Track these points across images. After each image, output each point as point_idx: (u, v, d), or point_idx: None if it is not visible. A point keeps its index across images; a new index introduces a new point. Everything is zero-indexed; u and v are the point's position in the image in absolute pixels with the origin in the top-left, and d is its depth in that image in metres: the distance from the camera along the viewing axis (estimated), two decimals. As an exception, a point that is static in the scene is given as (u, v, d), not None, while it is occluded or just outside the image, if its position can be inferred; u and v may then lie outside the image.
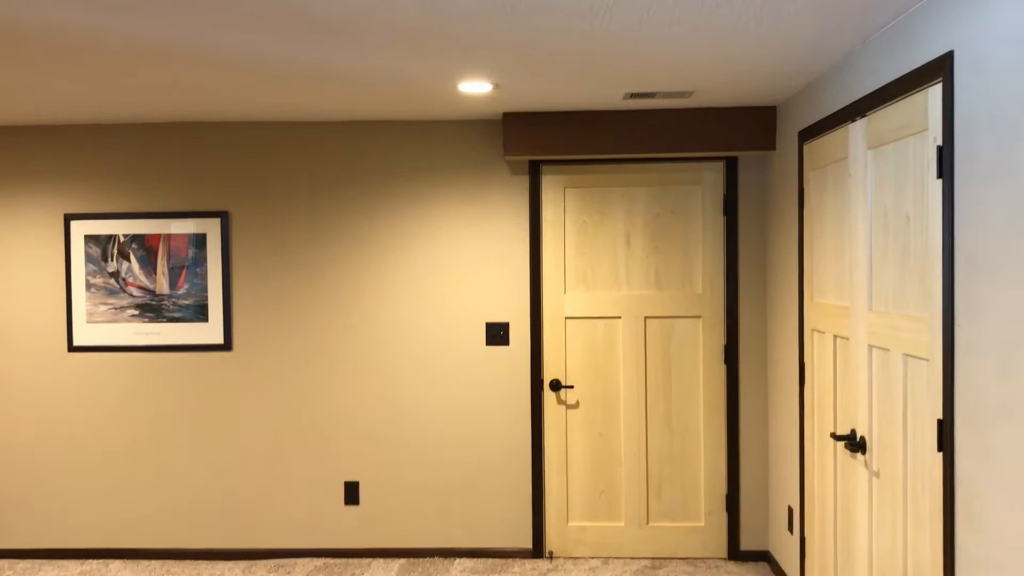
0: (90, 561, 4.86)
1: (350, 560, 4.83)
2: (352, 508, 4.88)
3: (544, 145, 4.58)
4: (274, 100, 4.21)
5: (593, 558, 4.81)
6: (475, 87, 3.91)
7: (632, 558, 4.81)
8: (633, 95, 4.13)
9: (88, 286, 4.87)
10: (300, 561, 4.82)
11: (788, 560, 4.38)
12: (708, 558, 4.80)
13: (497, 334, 4.83)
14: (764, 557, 4.79)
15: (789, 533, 4.34)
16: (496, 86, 3.91)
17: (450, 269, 4.83)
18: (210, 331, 4.87)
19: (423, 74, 3.66)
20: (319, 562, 4.80)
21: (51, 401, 4.89)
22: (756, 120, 4.53)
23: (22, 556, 4.91)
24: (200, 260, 4.85)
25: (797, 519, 4.20)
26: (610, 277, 4.77)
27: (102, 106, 4.33)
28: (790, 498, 4.33)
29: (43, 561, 4.87)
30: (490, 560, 4.81)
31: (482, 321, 4.83)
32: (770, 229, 4.64)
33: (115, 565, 4.80)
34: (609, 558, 4.80)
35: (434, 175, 4.82)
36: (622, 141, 4.55)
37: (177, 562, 4.84)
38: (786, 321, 4.36)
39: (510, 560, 4.81)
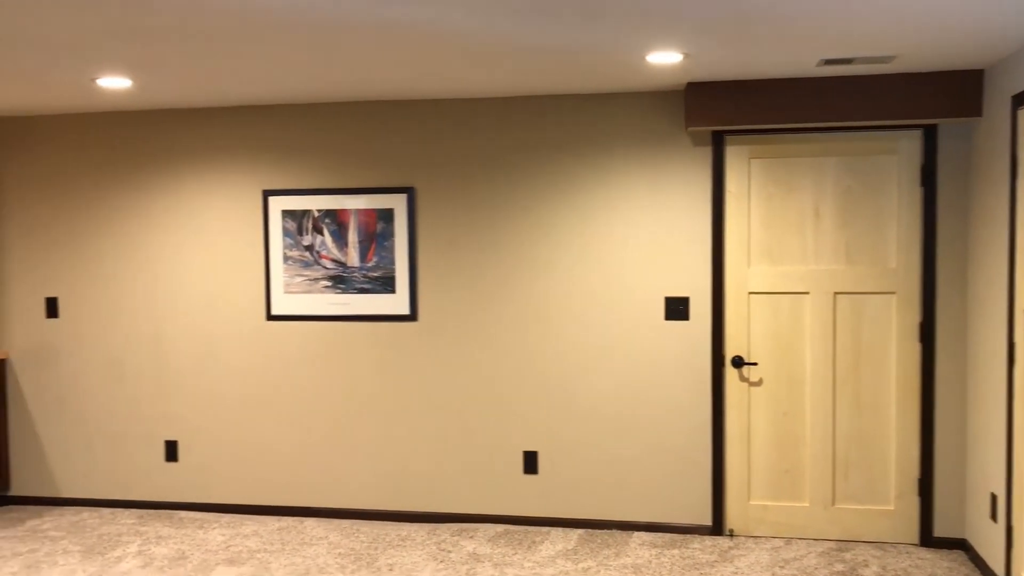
0: (286, 518, 5.17)
1: (529, 528, 4.93)
2: (531, 477, 4.97)
3: (729, 115, 4.48)
4: (460, 76, 4.30)
5: (775, 537, 4.72)
6: (664, 57, 3.87)
7: (816, 539, 4.68)
8: (829, 61, 3.97)
9: (285, 259, 5.14)
10: (481, 526, 4.96)
11: (990, 549, 4.15)
12: (898, 543, 4.62)
13: (677, 309, 4.78)
14: (960, 545, 4.56)
15: (992, 521, 4.11)
16: (686, 55, 3.85)
17: (628, 243, 4.81)
18: (396, 302, 5.05)
19: (614, 46, 3.65)
20: (500, 528, 4.92)
21: (251, 367, 5.21)
22: (960, 84, 4.26)
23: (226, 511, 5.27)
24: (388, 234, 5.04)
25: (1003, 507, 3.97)
26: (797, 251, 4.63)
27: (298, 86, 4.55)
28: (993, 484, 4.09)
29: (245, 516, 5.22)
30: (668, 535, 4.80)
31: (661, 295, 4.79)
32: (974, 201, 4.37)
33: (309, 522, 5.08)
34: (792, 538, 4.70)
35: (611, 148, 4.80)
36: (812, 109, 4.39)
37: (365, 522, 5.08)
38: (991, 299, 4.11)
39: (689, 536, 4.79)
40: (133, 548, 4.68)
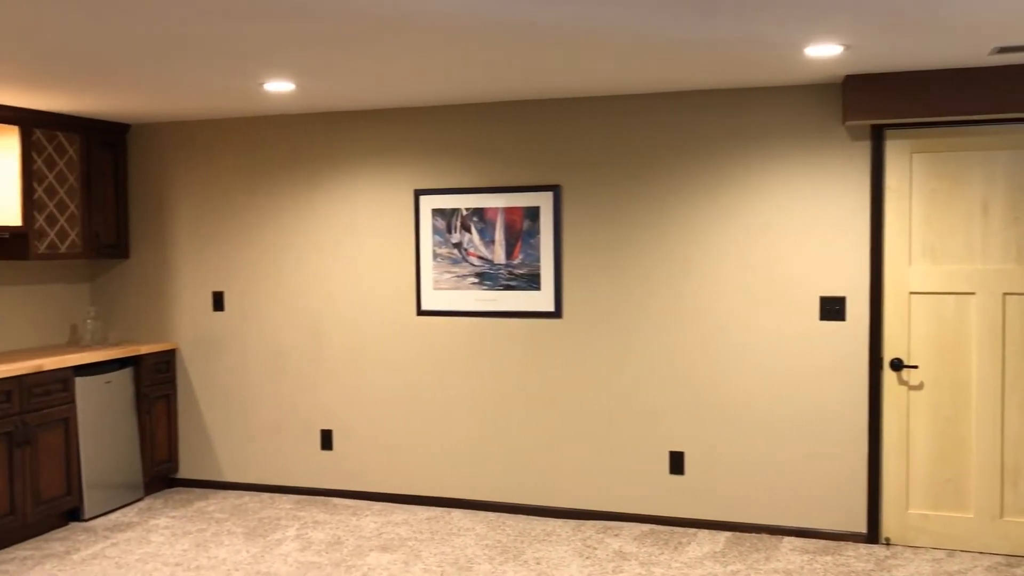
0: (434, 508, 5.30)
1: (675, 528, 4.88)
2: (677, 478, 4.92)
3: (890, 108, 4.31)
4: (609, 73, 4.30)
5: (936, 549, 4.51)
6: (824, 50, 3.76)
7: (982, 553, 4.45)
8: (1003, 49, 3.76)
9: (434, 256, 5.27)
10: (626, 525, 4.95)
11: None
12: (1074, 561, 4.34)
13: (832, 309, 4.63)
14: None
15: None
16: (847, 47, 3.73)
17: (780, 241, 4.70)
18: (541, 299, 5.10)
19: (772, 39, 3.57)
20: (645, 527, 4.90)
21: (402, 361, 5.37)
22: None
23: (377, 499, 5.45)
24: (533, 231, 5.09)
25: None
26: (962, 250, 4.41)
27: (448, 88, 4.65)
28: None
29: (394, 505, 5.38)
30: (820, 541, 4.66)
31: (816, 295, 4.66)
32: None
33: (456, 513, 5.19)
34: (955, 551, 4.48)
35: (762, 144, 4.70)
36: (983, 100, 4.17)
37: (509, 515, 5.15)
38: None
39: (842, 543, 4.63)
40: (292, 532, 4.90)
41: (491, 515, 5.17)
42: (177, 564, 4.43)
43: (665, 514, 4.95)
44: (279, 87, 4.54)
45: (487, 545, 4.65)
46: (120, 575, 4.30)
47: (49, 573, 4.33)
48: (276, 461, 5.64)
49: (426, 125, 5.26)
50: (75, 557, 4.55)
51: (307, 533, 4.88)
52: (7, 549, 4.68)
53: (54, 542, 4.78)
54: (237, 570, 4.35)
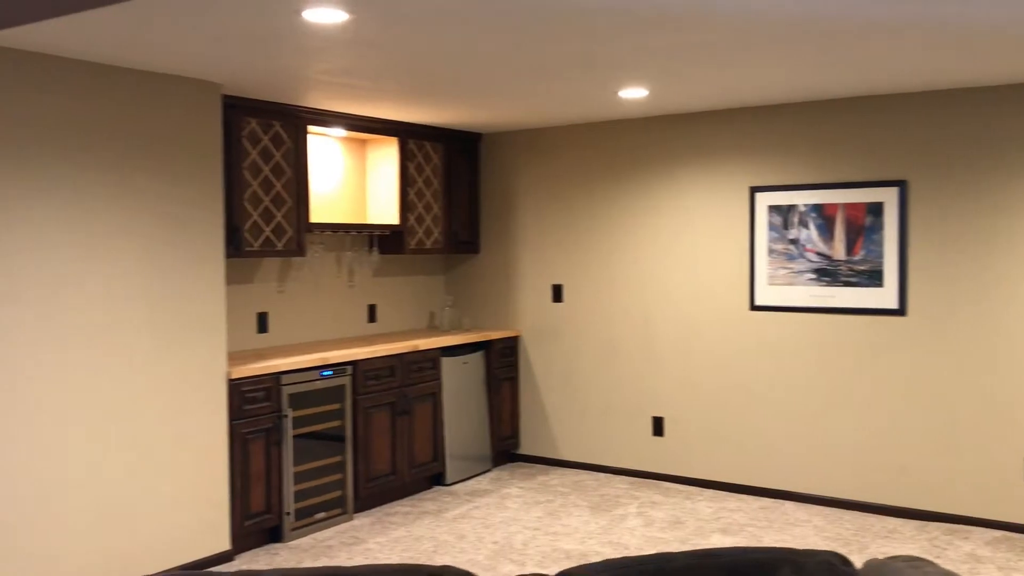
0: (765, 499, 5.43)
1: (1030, 537, 4.68)
2: (1033, 484, 4.71)
3: None
4: (959, 67, 4.21)
5: None
6: None
7: None
8: None
9: (769, 252, 5.40)
10: (975, 529, 4.80)
11: None
12: None
13: None
14: None
15: None
16: None
17: None
18: (883, 296, 5.06)
19: None
20: (996, 533, 4.73)
21: (733, 353, 5.55)
22: None
23: (707, 486, 5.67)
24: (876, 228, 5.07)
25: None
26: None
27: (788, 87, 4.76)
28: None
29: (725, 492, 5.57)
30: None
31: None
32: None
33: (789, 505, 5.29)
34: None
35: None
36: None
37: (844, 511, 5.16)
38: None
39: None
40: (632, 509, 5.24)
41: (826, 509, 5.21)
42: (536, 528, 4.91)
43: (1020, 521, 4.75)
44: (633, 94, 4.87)
45: (828, 537, 4.72)
46: (488, 533, 4.84)
47: (429, 526, 4.96)
48: (609, 443, 6.02)
49: (763, 123, 5.40)
50: (447, 515, 5.16)
51: (647, 512, 5.19)
52: (389, 504, 5.41)
53: (426, 501, 5.45)
54: (591, 538, 4.74)
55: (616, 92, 4.84)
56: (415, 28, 3.36)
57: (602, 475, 6.00)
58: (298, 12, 3.10)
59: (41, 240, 3.75)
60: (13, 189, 3.65)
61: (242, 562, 4.45)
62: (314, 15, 3.14)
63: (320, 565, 4.09)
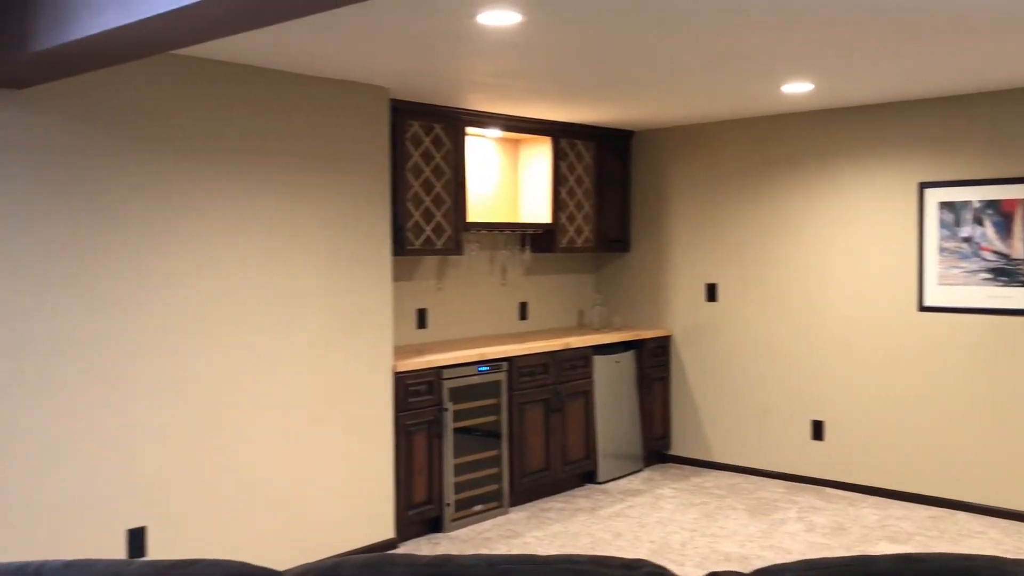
0: (934, 508, 5.19)
1: None
2: None
3: None
4: None
5: None
6: None
7: None
8: None
9: (940, 250, 5.16)
10: None
11: None
12: None
13: None
14: None
15: None
16: None
17: None
18: (1068, 297, 4.76)
19: None
20: None
21: (899, 355, 5.33)
22: None
23: (870, 492, 5.47)
24: (1061, 224, 4.77)
25: None
26: None
27: (960, 80, 4.53)
28: None
29: (889, 500, 5.36)
30: None
31: None
32: None
33: (961, 516, 5.04)
34: None
35: None
36: None
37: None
38: None
39: None
40: (792, 514, 5.12)
41: (1002, 521, 4.94)
42: (693, 530, 4.86)
43: None
44: (797, 88, 4.76)
45: (1006, 551, 4.48)
46: (644, 533, 4.82)
47: (584, 523, 4.99)
48: (765, 446, 5.90)
49: (933, 116, 5.17)
50: (601, 513, 5.18)
51: (807, 517, 5.06)
52: (542, 500, 5.47)
53: (578, 499, 5.48)
54: (751, 541, 4.66)
55: (779, 87, 4.74)
56: (584, 27, 3.39)
57: (757, 478, 5.88)
58: (473, 15, 3.18)
59: (222, 235, 3.98)
60: (201, 189, 3.89)
61: (406, 550, 4.60)
62: (489, 18, 3.21)
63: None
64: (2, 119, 3.32)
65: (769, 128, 5.81)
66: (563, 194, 5.96)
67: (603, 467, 5.82)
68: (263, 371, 4.11)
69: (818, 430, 5.66)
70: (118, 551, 3.63)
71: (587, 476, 5.82)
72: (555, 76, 4.34)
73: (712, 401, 6.13)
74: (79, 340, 3.53)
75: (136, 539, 3.70)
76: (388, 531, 4.63)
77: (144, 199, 3.71)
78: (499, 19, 3.23)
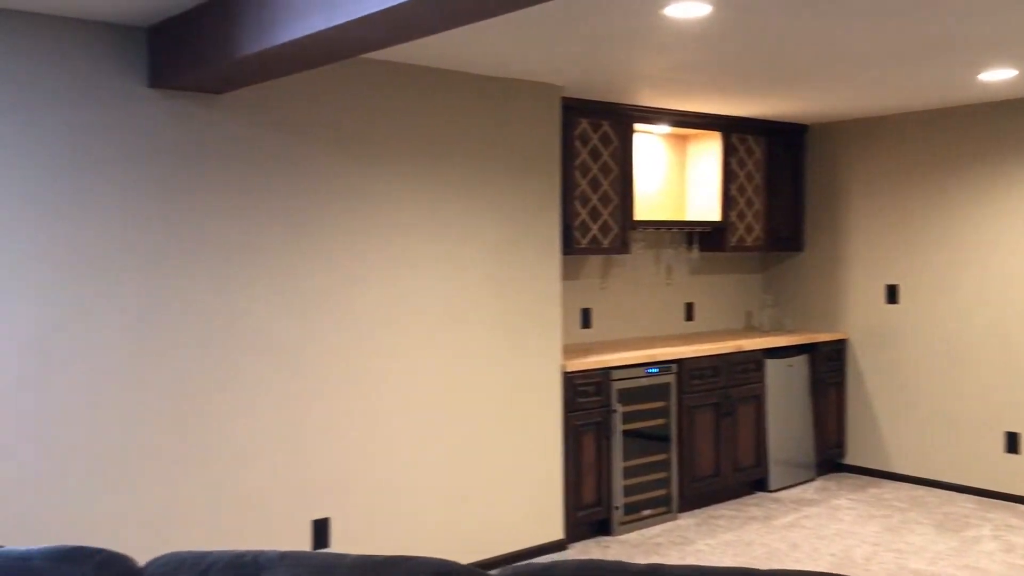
0: None
1: None
2: None
3: None
4: None
5: None
6: None
7: None
8: None
9: None
10: None
11: None
12: None
13: None
14: None
15: None
16: None
17: None
18: None
19: None
20: None
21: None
22: None
23: None
24: None
25: None
26: None
27: None
28: None
29: (1097, 521, 4.92)
30: None
31: None
32: None
33: None
34: None
35: None
36: None
37: None
38: None
39: None
40: (986, 531, 4.76)
41: None
42: (875, 544, 4.60)
43: None
44: (998, 75, 4.42)
45: None
46: (823, 545, 4.60)
47: (757, 532, 4.81)
48: (952, 458, 5.52)
49: None
50: (775, 523, 4.98)
51: (1004, 536, 4.70)
52: (711, 507, 5.31)
53: (749, 507, 5.29)
54: (941, 559, 4.37)
55: (976, 74, 4.41)
56: (773, 17, 3.24)
57: (942, 492, 5.51)
58: (661, 8, 3.10)
59: (402, 237, 4.05)
60: (382, 193, 3.97)
61: (575, 552, 4.55)
62: (677, 10, 3.12)
63: (654, 562, 4.09)
64: (201, 124, 3.48)
65: (962, 119, 5.43)
66: (733, 191, 5.77)
67: (774, 475, 5.60)
68: (438, 369, 4.16)
69: (1013, 443, 5.26)
70: (303, 541, 3.75)
71: (757, 484, 5.61)
72: (734, 69, 4.19)
73: (892, 408, 5.80)
74: (274, 340, 3.66)
75: (320, 529, 3.81)
76: (557, 532, 4.59)
77: (330, 201, 3.82)
78: (688, 11, 3.13)
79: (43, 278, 3.15)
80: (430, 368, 4.13)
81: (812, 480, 5.83)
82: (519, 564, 1.61)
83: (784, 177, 6.11)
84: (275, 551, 1.96)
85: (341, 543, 3.86)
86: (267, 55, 2.69)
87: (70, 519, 3.22)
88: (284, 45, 2.55)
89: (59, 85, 3.17)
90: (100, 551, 2.05)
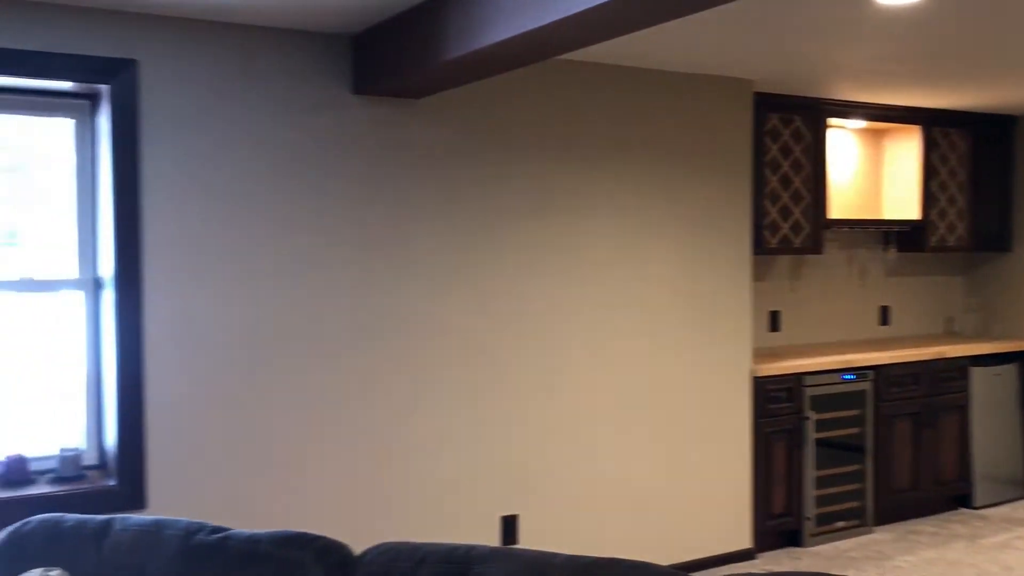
0: None
1: None
2: None
3: None
4: None
5: None
6: None
7: None
8: None
9: None
10: None
11: None
12: None
13: None
14: None
15: None
16: None
17: None
18: None
19: None
20: None
21: None
22: None
23: None
24: None
25: None
26: None
27: None
28: None
29: None
30: None
31: None
32: None
33: None
34: None
35: None
36: None
37: None
38: None
39: None
40: None
41: None
42: (1103, 572, 4.22)
43: None
44: None
45: None
46: (1041, 570, 4.25)
47: (963, 552, 4.50)
48: None
49: None
50: (983, 542, 4.65)
51: None
52: (909, 521, 5.01)
53: (953, 524, 4.96)
54: None
55: None
56: (993, 1, 3.02)
57: None
58: (873, -5, 2.95)
59: (587, 236, 4.04)
60: (570, 193, 3.98)
61: (764, 562, 4.40)
62: (890, -3, 2.96)
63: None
64: (401, 127, 3.59)
65: None
66: (934, 188, 5.43)
67: (980, 491, 5.22)
68: (626, 371, 4.12)
69: None
70: (491, 536, 3.81)
71: (959, 499, 5.26)
72: (945, 58, 3.93)
73: (1117, 424, 5.29)
74: (464, 336, 3.74)
75: (508, 526, 3.86)
76: (745, 540, 4.46)
77: (520, 201, 3.86)
78: (901, -3, 2.96)
79: (264, 271, 3.34)
80: (618, 370, 4.10)
81: (1023, 498, 5.41)
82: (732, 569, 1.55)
83: (990, 172, 5.70)
84: (486, 546, 1.98)
85: (528, 540, 3.89)
86: (473, 57, 2.74)
87: (268, 504, 3.40)
88: (491, 47, 2.59)
89: (274, 93, 3.35)
90: (319, 537, 2.14)
